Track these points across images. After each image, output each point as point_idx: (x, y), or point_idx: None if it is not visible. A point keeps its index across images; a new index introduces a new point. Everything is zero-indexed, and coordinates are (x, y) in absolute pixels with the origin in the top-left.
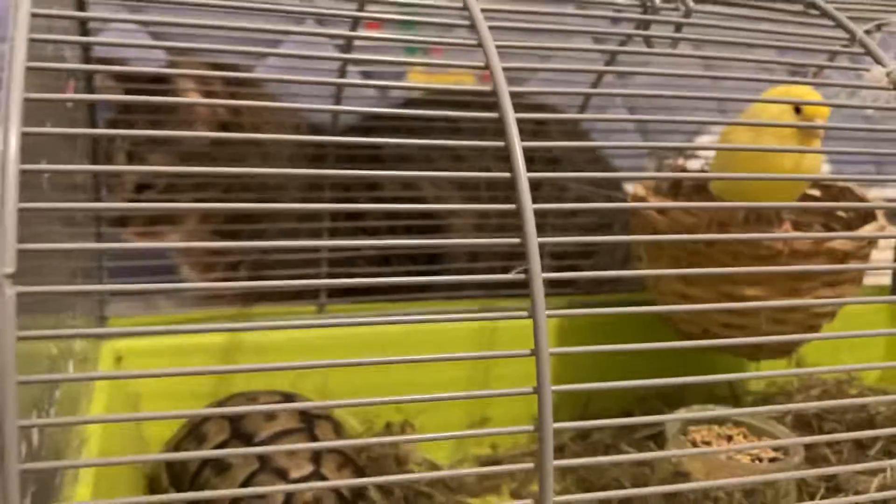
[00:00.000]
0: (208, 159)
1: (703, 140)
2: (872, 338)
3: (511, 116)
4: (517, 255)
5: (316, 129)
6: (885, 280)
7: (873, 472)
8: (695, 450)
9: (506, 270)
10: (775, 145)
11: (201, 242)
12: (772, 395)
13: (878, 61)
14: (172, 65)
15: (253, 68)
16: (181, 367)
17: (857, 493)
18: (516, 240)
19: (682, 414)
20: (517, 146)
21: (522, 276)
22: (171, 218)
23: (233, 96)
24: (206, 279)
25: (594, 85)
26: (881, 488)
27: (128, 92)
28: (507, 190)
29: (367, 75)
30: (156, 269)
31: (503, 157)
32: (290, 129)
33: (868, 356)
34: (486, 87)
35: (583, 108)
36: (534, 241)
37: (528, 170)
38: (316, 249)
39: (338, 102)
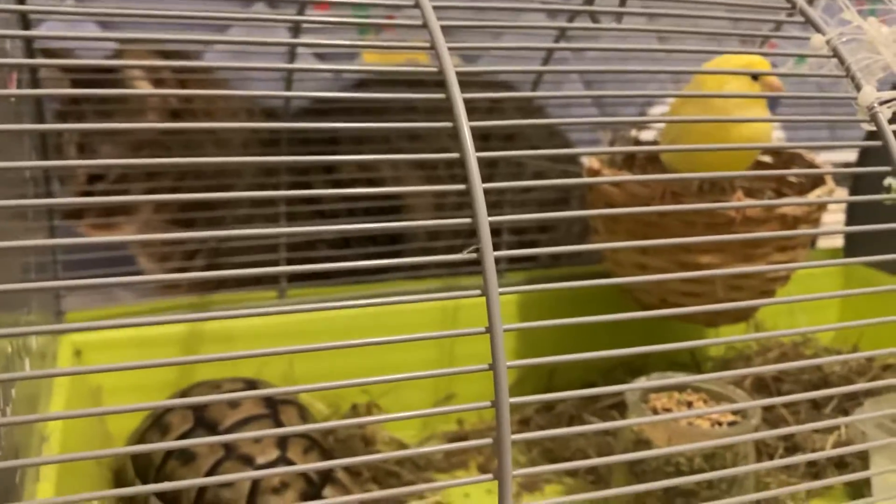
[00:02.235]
0: (161, 147)
1: (656, 111)
2: (827, 300)
3: (457, 96)
4: (475, 234)
5: (269, 113)
6: (838, 242)
7: (829, 431)
8: (654, 417)
9: (465, 248)
10: (726, 113)
11: (156, 234)
12: (731, 359)
13: (817, 29)
14: (120, 53)
15: (202, 54)
16: (142, 361)
17: (813, 450)
18: (467, 219)
19: (642, 383)
20: (465, 126)
21: (474, 255)
22: (126, 209)
23: (182, 83)
24: (163, 269)
25: (545, 61)
26: (836, 445)
27: (75, 82)
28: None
29: (319, 57)
30: (112, 260)
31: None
32: (242, 114)
33: (823, 317)
34: (433, 68)
35: (535, 85)
36: (484, 219)
37: (484, 147)
38: (275, 235)
39: (289, 86)
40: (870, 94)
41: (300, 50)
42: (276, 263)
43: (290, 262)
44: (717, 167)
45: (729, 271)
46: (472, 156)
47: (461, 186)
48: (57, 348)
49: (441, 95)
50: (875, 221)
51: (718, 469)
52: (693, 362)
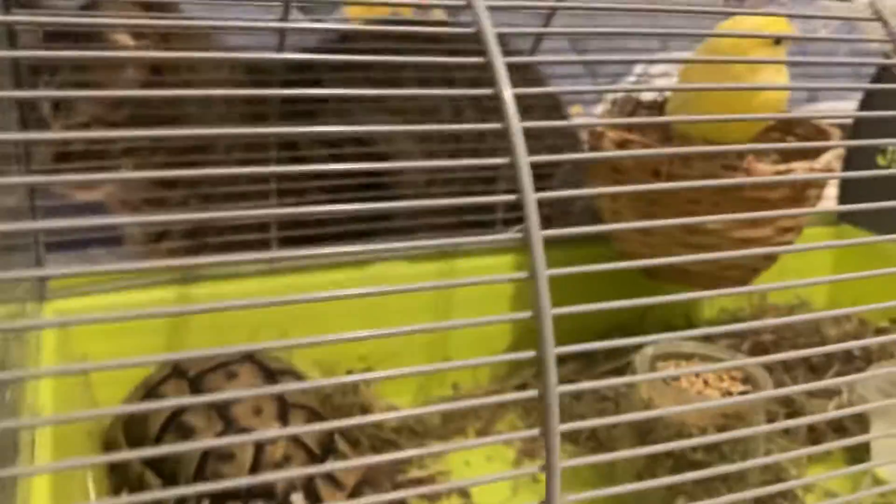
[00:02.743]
0: (142, 103)
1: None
2: (821, 262)
3: (500, 62)
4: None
5: (252, 68)
6: (832, 204)
7: (829, 395)
8: (677, 371)
9: (460, 221)
10: (745, 74)
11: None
12: (726, 323)
13: None
14: (97, 3)
15: (182, 5)
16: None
17: (813, 415)
18: (512, 196)
19: (667, 338)
20: (508, 93)
21: (520, 234)
22: (105, 164)
23: (164, 36)
24: (146, 230)
25: (546, 23)
26: (838, 409)
27: (49, 34)
28: (459, 141)
29: (301, 10)
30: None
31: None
32: (225, 68)
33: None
34: (468, 29)
35: (533, 51)
36: (531, 196)
37: (482, 120)
38: (265, 196)
39: (282, 38)
40: None
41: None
42: (266, 231)
43: (282, 230)
44: (732, 131)
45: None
46: (518, 127)
47: (504, 160)
48: (41, 317)
49: (480, 60)
50: (870, 182)
51: (731, 440)
52: (689, 326)
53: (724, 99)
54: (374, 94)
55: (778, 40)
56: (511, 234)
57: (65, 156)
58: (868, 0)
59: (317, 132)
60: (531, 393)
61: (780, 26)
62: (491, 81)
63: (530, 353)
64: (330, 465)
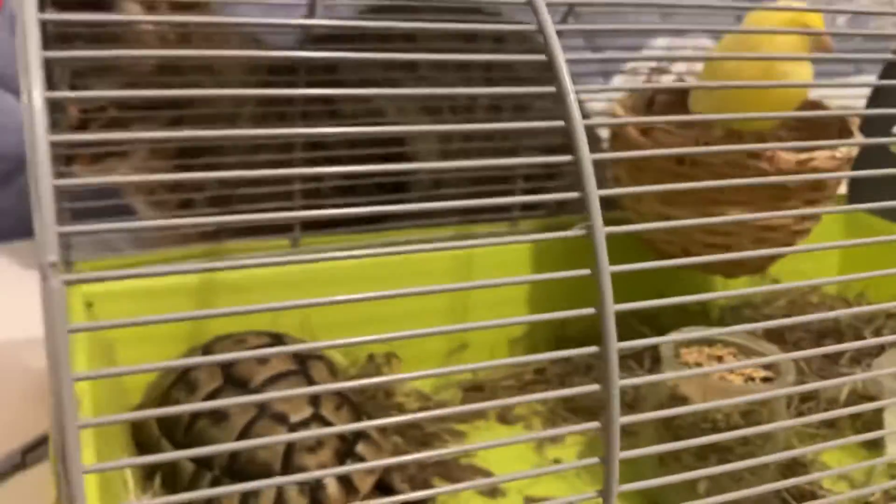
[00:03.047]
0: (156, 88)
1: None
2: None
3: (562, 59)
4: (496, 179)
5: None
6: (841, 189)
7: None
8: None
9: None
10: (774, 67)
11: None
12: (739, 307)
13: None
14: None
15: None
16: (156, 315)
17: (827, 402)
18: (576, 193)
19: (700, 331)
20: (570, 91)
21: (584, 231)
22: (119, 153)
23: (177, 10)
24: (162, 217)
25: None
26: (852, 395)
27: (62, 5)
28: (473, 111)
29: None
30: (116, 209)
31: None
32: (241, 47)
33: (826, 263)
34: (530, 26)
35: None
36: (594, 194)
37: (488, 86)
38: (287, 182)
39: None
40: None
41: None
42: (289, 212)
43: (304, 210)
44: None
45: (750, 217)
46: (580, 124)
47: (568, 158)
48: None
49: (541, 58)
50: (880, 167)
51: (753, 423)
52: (703, 310)
53: (751, 89)
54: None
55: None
56: (575, 231)
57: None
58: None
59: (350, 132)
60: (593, 387)
61: (811, 20)
62: (554, 78)
63: (594, 349)
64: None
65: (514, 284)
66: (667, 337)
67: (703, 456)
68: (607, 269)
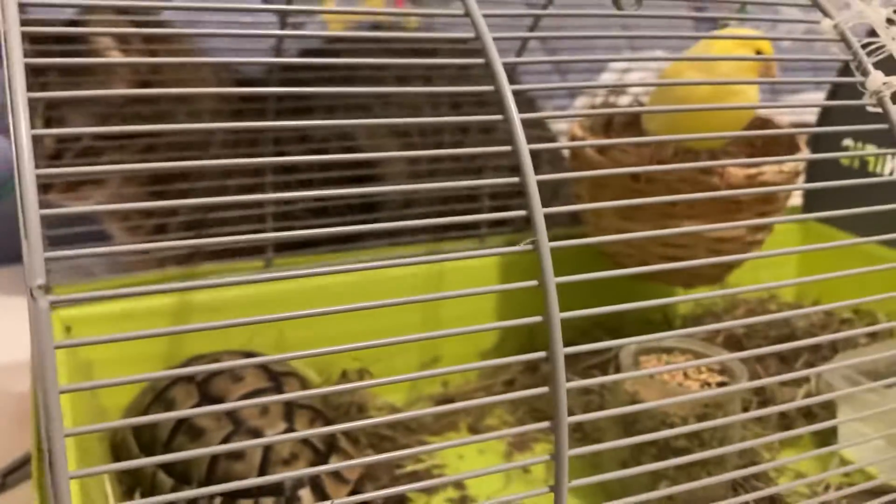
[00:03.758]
0: (130, 118)
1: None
2: (787, 257)
3: (508, 91)
4: (464, 198)
5: (241, 83)
6: (797, 201)
7: (798, 384)
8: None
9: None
10: (727, 90)
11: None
12: (701, 316)
13: (825, 13)
14: (86, 23)
15: (173, 23)
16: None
17: (784, 402)
18: (522, 212)
19: (651, 336)
20: (516, 118)
21: (531, 247)
22: (94, 180)
23: (153, 53)
24: (137, 242)
25: (532, 28)
26: (806, 397)
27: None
28: (440, 134)
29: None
30: (92, 236)
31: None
32: (213, 86)
33: (783, 274)
34: (468, 35)
35: (520, 53)
36: (539, 211)
37: (457, 113)
38: (260, 205)
39: (279, 53)
40: (878, 78)
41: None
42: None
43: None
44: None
45: (704, 228)
46: (525, 147)
47: (515, 179)
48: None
49: (480, 61)
50: (833, 180)
51: (710, 428)
52: (665, 321)
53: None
54: (399, 122)
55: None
56: (522, 247)
57: (58, 166)
58: (833, 22)
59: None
60: (542, 389)
61: (762, 46)
62: (500, 106)
63: (541, 354)
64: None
65: (464, 296)
66: (613, 342)
67: (662, 458)
68: (552, 280)
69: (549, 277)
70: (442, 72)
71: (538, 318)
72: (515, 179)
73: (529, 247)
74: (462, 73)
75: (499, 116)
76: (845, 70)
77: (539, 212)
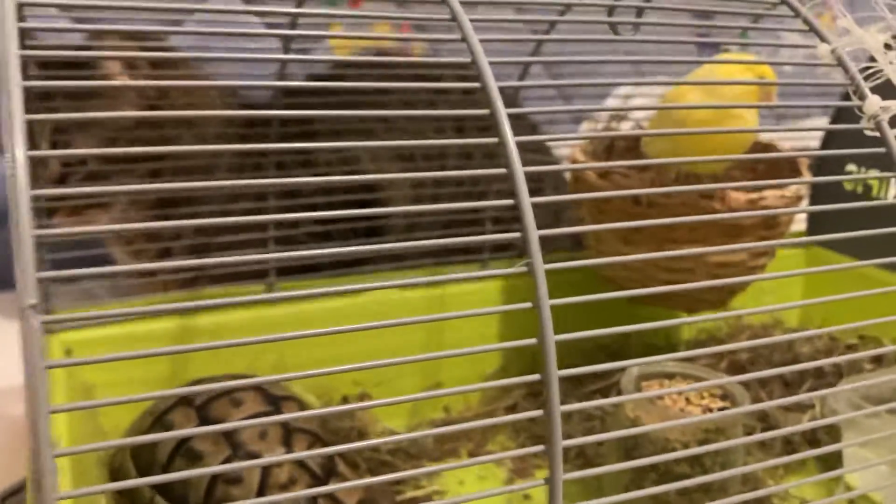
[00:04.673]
0: (136, 142)
1: (610, 104)
2: (792, 282)
3: (502, 111)
4: (466, 222)
5: (247, 107)
6: (801, 226)
7: (803, 410)
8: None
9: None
10: (728, 114)
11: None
12: (704, 341)
13: (822, 38)
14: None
15: (180, 49)
16: (135, 351)
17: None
18: (517, 234)
19: (660, 357)
20: (510, 141)
21: (525, 269)
22: (99, 205)
23: (161, 79)
24: (142, 260)
25: (534, 52)
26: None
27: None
28: (445, 159)
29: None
30: (94, 260)
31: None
32: (221, 108)
33: (788, 298)
34: (464, 59)
35: (522, 77)
36: (534, 234)
37: (458, 135)
38: (263, 229)
39: (282, 77)
40: (875, 102)
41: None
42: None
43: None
44: (707, 162)
45: (705, 251)
46: (520, 170)
47: (509, 202)
48: (48, 348)
49: (476, 85)
50: (836, 204)
51: (711, 450)
52: (669, 347)
53: (704, 131)
54: (394, 144)
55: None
56: (517, 269)
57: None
58: (830, 48)
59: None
60: (537, 412)
61: (765, 71)
62: (495, 128)
63: (535, 377)
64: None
65: (461, 318)
66: (609, 364)
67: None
68: (547, 302)
69: (543, 299)
70: (447, 97)
71: (532, 341)
72: (510, 202)
73: (523, 269)
74: (465, 98)
75: (494, 140)
76: (847, 95)
77: (534, 233)
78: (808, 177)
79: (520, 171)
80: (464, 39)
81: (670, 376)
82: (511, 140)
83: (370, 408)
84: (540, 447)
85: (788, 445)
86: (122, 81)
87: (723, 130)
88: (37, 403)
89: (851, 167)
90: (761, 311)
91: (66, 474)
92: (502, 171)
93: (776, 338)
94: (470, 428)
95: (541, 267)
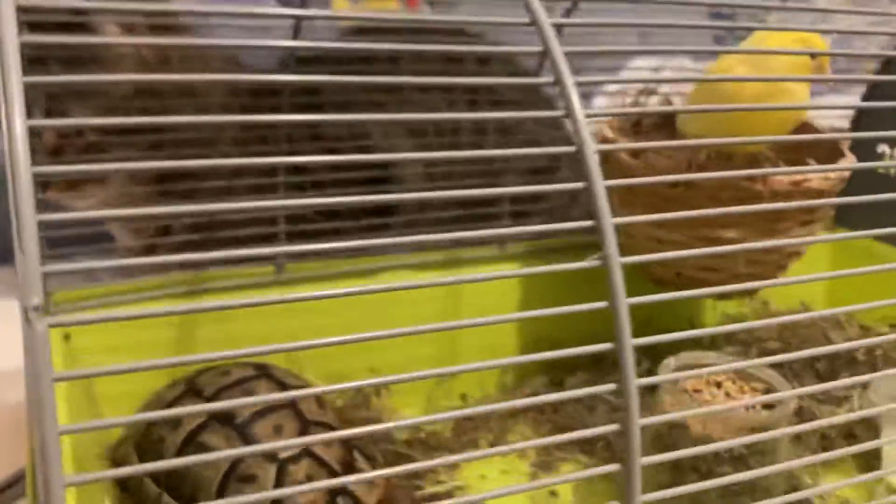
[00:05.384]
0: (135, 113)
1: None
2: (817, 263)
3: (571, 82)
4: (482, 202)
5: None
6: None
7: (839, 403)
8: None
9: (460, 217)
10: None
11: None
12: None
13: None
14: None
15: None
16: (137, 363)
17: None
18: (590, 222)
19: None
20: (582, 119)
21: (598, 262)
22: (97, 178)
23: (153, 30)
24: (141, 242)
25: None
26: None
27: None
28: (458, 134)
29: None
30: (92, 236)
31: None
32: (225, 84)
33: (813, 286)
34: (536, 48)
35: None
36: (608, 223)
37: (471, 109)
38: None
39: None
40: None
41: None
42: (273, 237)
43: (289, 235)
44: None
45: (745, 247)
46: (592, 149)
47: (580, 185)
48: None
49: (549, 80)
50: (868, 188)
51: (756, 451)
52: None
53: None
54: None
55: (812, 56)
56: (589, 262)
57: (59, 161)
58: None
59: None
60: (613, 427)
61: (816, 42)
62: (538, 101)
63: (612, 386)
64: (354, 477)
65: (517, 320)
66: (685, 373)
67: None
68: (625, 301)
69: (620, 299)
70: (466, 66)
71: (609, 346)
72: (581, 185)
73: (597, 262)
74: (482, 69)
75: (560, 112)
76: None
77: (609, 223)
78: (851, 158)
79: (592, 149)
80: (533, 23)
81: (705, 364)
82: (581, 114)
83: (377, 393)
84: (615, 466)
85: (824, 440)
86: (118, 38)
87: (760, 107)
88: (44, 422)
89: (883, 148)
90: (784, 283)
91: (69, 466)
92: (571, 148)
93: (810, 314)
94: (545, 444)
95: (617, 262)
